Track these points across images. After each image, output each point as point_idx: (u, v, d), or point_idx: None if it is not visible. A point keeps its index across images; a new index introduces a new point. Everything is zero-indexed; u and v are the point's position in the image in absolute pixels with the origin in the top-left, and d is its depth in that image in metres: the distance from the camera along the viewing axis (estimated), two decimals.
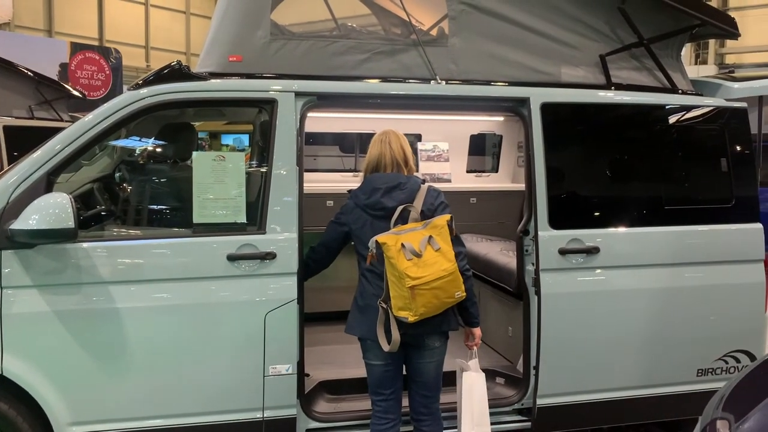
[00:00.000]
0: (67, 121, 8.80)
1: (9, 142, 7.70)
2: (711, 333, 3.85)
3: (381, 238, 2.92)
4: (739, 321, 3.88)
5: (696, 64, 24.02)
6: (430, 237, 2.94)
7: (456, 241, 3.06)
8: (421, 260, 2.87)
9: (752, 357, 3.90)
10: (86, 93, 12.86)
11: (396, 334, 2.95)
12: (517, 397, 3.70)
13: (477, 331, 3.25)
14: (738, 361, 3.89)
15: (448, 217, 3.05)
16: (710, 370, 3.87)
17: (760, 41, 22.38)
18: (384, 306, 2.98)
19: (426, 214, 3.07)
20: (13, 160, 7.03)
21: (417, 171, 5.22)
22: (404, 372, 3.21)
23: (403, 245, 2.88)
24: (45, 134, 3.74)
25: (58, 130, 3.46)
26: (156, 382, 3.17)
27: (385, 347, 2.98)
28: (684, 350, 3.83)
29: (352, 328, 3.15)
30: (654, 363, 3.79)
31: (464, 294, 3.01)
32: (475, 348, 3.28)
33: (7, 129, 7.81)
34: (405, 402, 3.25)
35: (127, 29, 24.44)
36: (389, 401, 3.15)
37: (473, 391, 3.21)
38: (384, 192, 3.07)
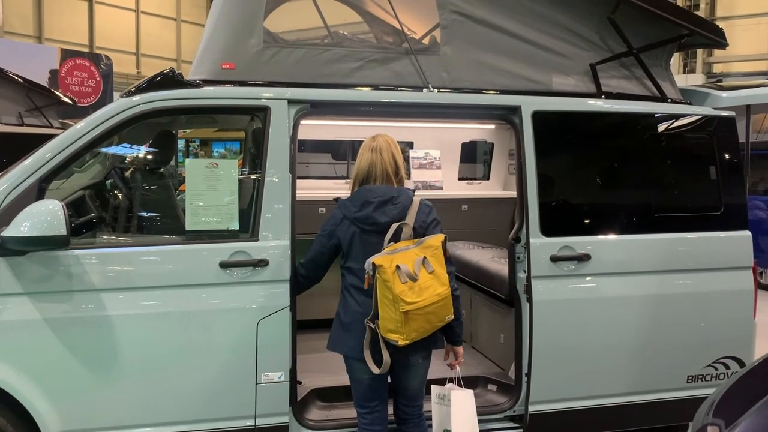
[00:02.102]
0: (57, 128, 8.78)
1: None
2: (701, 340, 3.88)
3: (377, 260, 2.84)
4: (728, 328, 3.91)
5: (684, 72, 24.22)
6: (425, 258, 2.89)
7: (447, 261, 3.00)
8: (416, 284, 2.82)
9: (741, 363, 3.93)
10: (76, 99, 12.83)
11: (386, 356, 2.90)
12: (509, 404, 3.71)
13: (460, 349, 3.21)
14: (727, 367, 3.92)
15: (442, 237, 2.99)
16: (700, 377, 3.90)
17: (747, 50, 22.63)
18: (371, 326, 2.92)
19: (418, 232, 3.01)
20: (2, 166, 6.98)
21: (408, 178, 5.27)
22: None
23: (398, 267, 2.81)
24: (35, 141, 3.74)
25: (48, 136, 3.45)
26: (148, 389, 3.15)
27: (375, 370, 2.92)
28: (674, 357, 3.85)
29: (336, 345, 3.09)
30: (645, 369, 3.81)
31: (453, 317, 2.98)
32: (457, 367, 3.25)
33: None
34: (389, 410, 3.22)
35: (117, 36, 24.39)
36: (375, 413, 3.11)
37: (465, 410, 3.17)
38: (376, 206, 2.99)
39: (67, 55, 18.55)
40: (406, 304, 2.78)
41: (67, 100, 9.77)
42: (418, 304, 2.80)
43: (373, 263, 2.84)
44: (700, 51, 23.69)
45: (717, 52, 23.41)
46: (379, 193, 3.02)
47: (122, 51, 24.30)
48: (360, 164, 3.11)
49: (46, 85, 12.36)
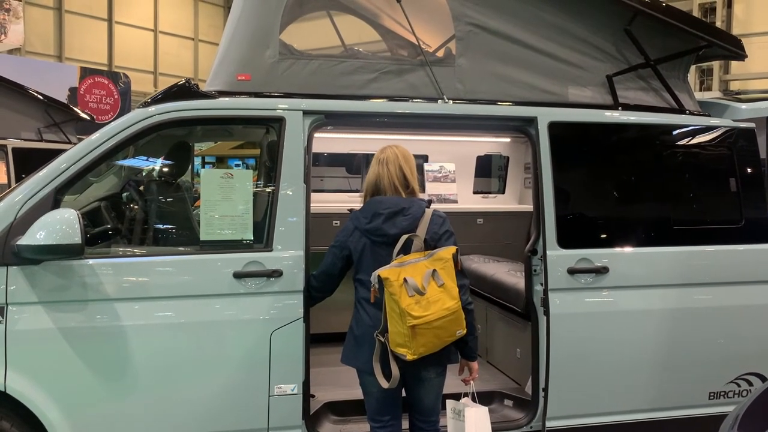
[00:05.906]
0: (75, 144, 8.88)
1: (18, 163, 7.79)
2: (722, 355, 3.79)
3: (383, 273, 2.81)
4: (750, 343, 3.82)
5: (701, 90, 24.07)
6: (434, 271, 2.84)
7: (459, 274, 2.95)
8: (423, 297, 2.77)
9: (765, 380, 3.83)
10: (95, 116, 12.99)
11: (395, 370, 2.86)
12: (525, 420, 3.64)
13: (475, 365, 3.15)
14: (750, 384, 3.83)
15: (453, 249, 2.94)
16: (722, 393, 3.81)
17: (764, 67, 22.45)
18: (381, 339, 2.88)
19: (429, 243, 2.96)
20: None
21: (423, 191, 5.24)
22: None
23: (405, 280, 2.78)
24: (53, 156, 3.76)
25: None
26: (160, 400, 3.13)
27: (384, 384, 2.88)
28: (695, 373, 3.77)
29: (348, 358, 3.07)
30: (665, 385, 3.73)
31: (465, 331, 2.92)
32: (472, 383, 3.19)
33: (17, 151, 7.92)
34: (405, 425, 3.17)
35: (135, 55, 24.73)
36: (388, 428, 3.06)
37: (480, 427, 3.10)
38: (386, 218, 2.95)
39: (86, 73, 18.87)
40: (412, 318, 2.74)
41: (85, 116, 9.90)
42: (425, 318, 2.76)
43: (378, 276, 2.82)
44: (716, 68, 23.54)
45: (733, 69, 23.28)
46: (390, 204, 2.99)
47: (140, 70, 24.63)
48: (368, 176, 3.11)
49: (65, 102, 12.53)
